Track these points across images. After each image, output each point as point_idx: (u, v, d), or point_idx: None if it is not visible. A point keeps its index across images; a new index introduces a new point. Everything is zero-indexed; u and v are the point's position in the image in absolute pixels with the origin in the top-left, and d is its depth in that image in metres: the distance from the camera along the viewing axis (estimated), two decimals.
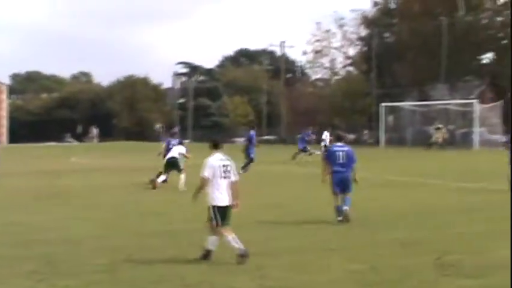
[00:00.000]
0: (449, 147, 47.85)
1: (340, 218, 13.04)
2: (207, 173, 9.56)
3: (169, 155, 20.72)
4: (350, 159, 13.25)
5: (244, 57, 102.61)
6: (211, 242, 9.63)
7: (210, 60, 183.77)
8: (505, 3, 62.47)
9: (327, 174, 13.36)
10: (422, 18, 61.50)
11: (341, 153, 13.27)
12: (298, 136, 38.45)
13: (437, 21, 60.18)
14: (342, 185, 13.21)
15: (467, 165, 31.60)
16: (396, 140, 56.75)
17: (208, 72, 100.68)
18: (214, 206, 9.57)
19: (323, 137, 38.50)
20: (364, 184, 21.22)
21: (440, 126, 50.10)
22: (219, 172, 9.57)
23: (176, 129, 26.33)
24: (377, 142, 59.32)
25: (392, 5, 72.36)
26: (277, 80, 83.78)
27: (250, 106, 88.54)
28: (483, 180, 22.55)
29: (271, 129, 79.31)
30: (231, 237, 9.52)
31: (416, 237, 11.46)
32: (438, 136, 49.37)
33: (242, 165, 25.63)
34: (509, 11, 60.83)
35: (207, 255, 9.61)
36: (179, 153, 20.63)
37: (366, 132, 67.62)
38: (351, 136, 69.32)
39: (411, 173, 26.66)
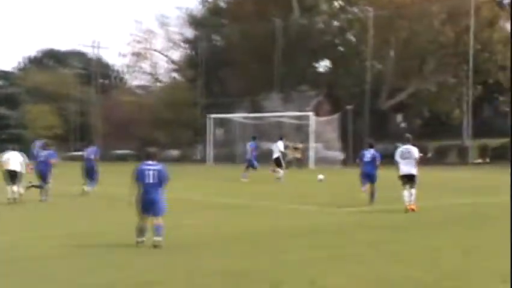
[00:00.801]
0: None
1: (141, 239, 13.38)
2: None
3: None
4: (161, 179, 13.55)
5: (50, 59, 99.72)
6: None
7: (7, 61, 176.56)
8: (341, 7, 65.76)
9: (133, 195, 13.58)
10: (255, 19, 63.15)
11: (151, 172, 13.52)
12: (249, 148, 36.70)
13: (271, 24, 62.08)
14: (151, 207, 13.46)
15: (301, 185, 32.67)
16: (226, 156, 57.59)
17: (6, 75, 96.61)
18: None
19: (278, 146, 36.35)
20: (189, 207, 21.39)
21: (298, 145, 51.33)
22: None
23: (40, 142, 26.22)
24: (204, 159, 59.92)
25: (222, 4, 73.80)
26: (91, 86, 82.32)
27: (59, 116, 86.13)
28: (319, 201, 23.41)
29: (84, 144, 77.67)
30: None
31: (245, 265, 11.60)
32: (297, 155, 50.47)
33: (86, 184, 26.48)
34: (345, 16, 64.28)
35: None
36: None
37: (200, 147, 67.98)
38: (175, 152, 69.63)
39: (241, 194, 27.14)
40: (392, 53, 61.37)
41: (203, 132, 61.58)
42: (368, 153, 21.74)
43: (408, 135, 21.05)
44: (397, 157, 19.96)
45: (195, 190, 28.87)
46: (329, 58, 67.62)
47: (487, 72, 58.39)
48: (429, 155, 56.86)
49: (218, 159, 57.10)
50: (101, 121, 75.99)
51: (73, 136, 79.50)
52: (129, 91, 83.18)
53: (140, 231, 13.48)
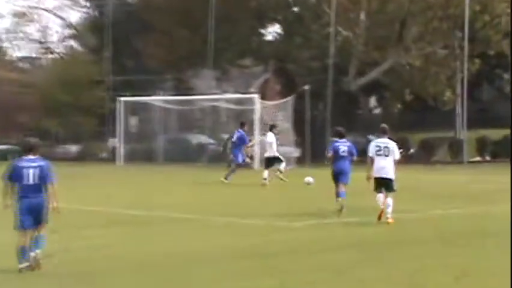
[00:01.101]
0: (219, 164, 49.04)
1: (25, 265, 13.31)
2: None
3: None
4: (43, 179, 13.58)
5: None
6: None
7: None
8: None
9: (9, 198, 13.62)
10: None
11: (30, 170, 13.55)
12: (232, 141, 36.66)
13: None
14: (33, 216, 13.46)
15: (245, 192, 32.64)
16: (142, 153, 57.18)
17: None
18: None
19: (268, 139, 36.47)
20: (88, 222, 21.18)
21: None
22: None
23: None
24: (113, 157, 59.46)
25: None
26: None
27: None
28: (268, 213, 23.40)
29: None
30: None
31: None
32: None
33: None
34: None
35: None
36: None
37: (114, 140, 67.06)
38: (74, 148, 68.90)
39: (160, 203, 27.01)
40: (363, 16, 61.59)
41: (111, 121, 61.03)
42: (343, 146, 21.97)
43: (384, 125, 20.99)
44: (371, 153, 19.94)
45: (97, 198, 28.60)
46: (279, 22, 67.64)
47: (487, 41, 58.92)
48: (412, 150, 57.36)
49: (131, 157, 56.54)
50: None
51: None
52: (10, 65, 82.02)
53: (23, 253, 13.36)
